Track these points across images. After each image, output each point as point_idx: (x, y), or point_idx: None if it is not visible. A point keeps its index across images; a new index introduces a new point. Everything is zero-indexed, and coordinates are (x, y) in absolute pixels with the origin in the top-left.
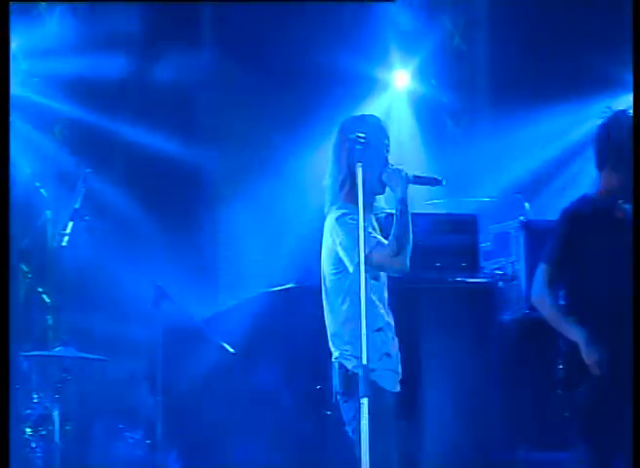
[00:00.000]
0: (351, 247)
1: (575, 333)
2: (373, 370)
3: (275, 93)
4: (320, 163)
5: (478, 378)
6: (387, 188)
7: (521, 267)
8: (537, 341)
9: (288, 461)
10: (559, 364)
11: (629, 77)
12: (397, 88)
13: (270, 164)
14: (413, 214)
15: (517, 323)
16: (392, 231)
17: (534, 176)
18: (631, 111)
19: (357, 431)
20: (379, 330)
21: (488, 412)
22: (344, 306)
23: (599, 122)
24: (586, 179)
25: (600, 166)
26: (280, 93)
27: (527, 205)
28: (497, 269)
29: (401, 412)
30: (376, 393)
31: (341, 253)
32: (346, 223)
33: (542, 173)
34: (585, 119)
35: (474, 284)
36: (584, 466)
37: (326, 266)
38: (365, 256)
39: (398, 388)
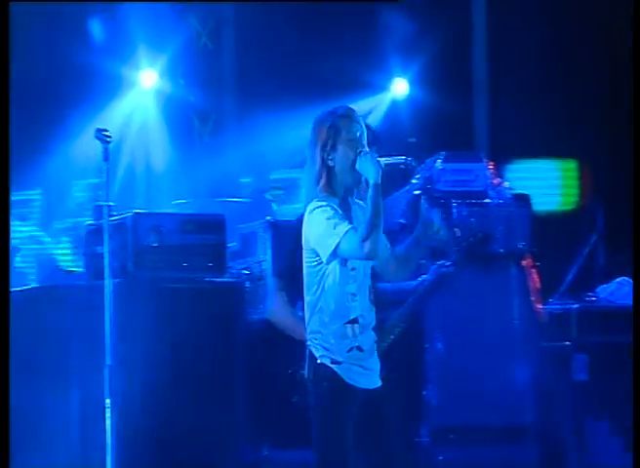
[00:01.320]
0: (323, 237)
1: None
2: (339, 363)
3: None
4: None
5: (222, 375)
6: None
7: (268, 267)
8: (282, 341)
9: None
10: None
11: (376, 80)
12: (144, 87)
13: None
14: (159, 213)
15: (264, 322)
16: (364, 216)
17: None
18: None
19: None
20: (352, 322)
21: (232, 411)
22: (315, 296)
23: None
24: None
25: None
26: (20, 94)
27: (274, 205)
28: (244, 269)
29: None
30: (341, 389)
31: (315, 245)
32: (319, 215)
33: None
34: None
35: (221, 283)
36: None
37: (305, 257)
38: (336, 246)
39: (374, 385)
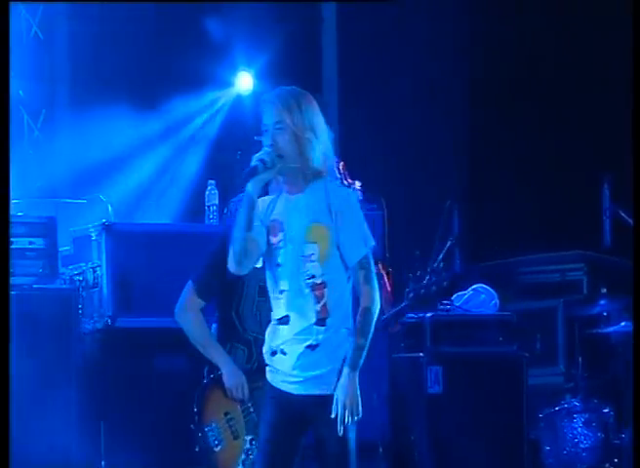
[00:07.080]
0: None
1: (217, 357)
2: (267, 366)
3: None
4: None
5: (55, 385)
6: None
7: (103, 273)
8: (124, 351)
9: None
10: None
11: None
12: None
13: None
14: None
15: (100, 332)
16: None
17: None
18: None
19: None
20: (283, 320)
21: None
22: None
23: None
24: None
25: None
26: None
27: (110, 207)
28: (77, 275)
29: None
30: (269, 392)
31: None
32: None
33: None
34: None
35: (52, 291)
36: None
37: None
38: None
39: (297, 391)
